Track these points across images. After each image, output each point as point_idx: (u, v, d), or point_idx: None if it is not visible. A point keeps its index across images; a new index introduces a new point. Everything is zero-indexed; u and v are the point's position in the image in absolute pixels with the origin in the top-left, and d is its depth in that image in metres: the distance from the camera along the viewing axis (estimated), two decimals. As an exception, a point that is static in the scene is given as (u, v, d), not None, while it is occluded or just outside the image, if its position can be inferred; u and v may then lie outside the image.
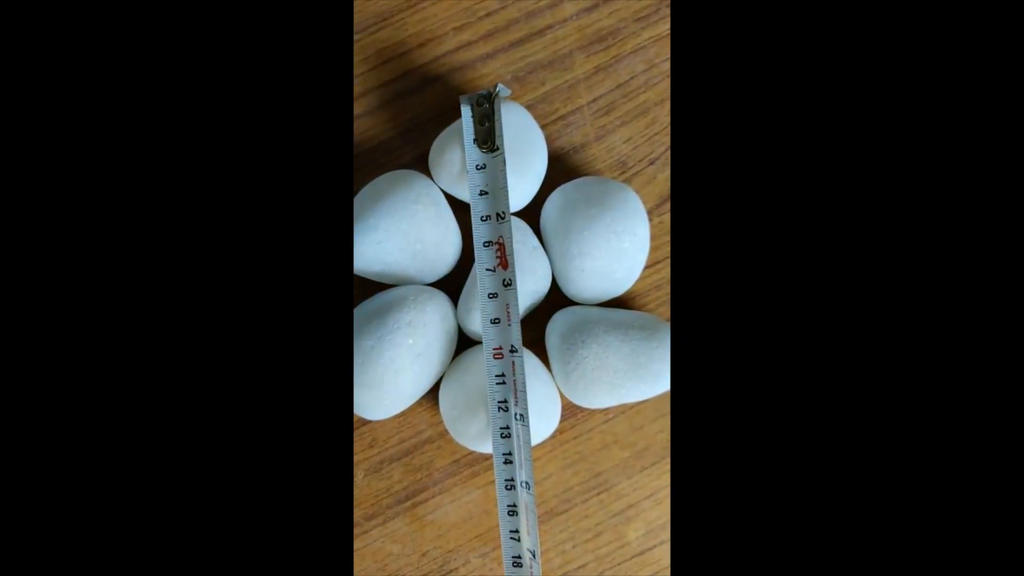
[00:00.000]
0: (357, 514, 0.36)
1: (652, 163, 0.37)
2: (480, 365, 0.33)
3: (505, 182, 0.33)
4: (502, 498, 0.32)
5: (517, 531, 0.32)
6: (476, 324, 0.33)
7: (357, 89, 0.37)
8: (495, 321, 0.32)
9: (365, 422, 0.36)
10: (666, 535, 0.36)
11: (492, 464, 0.35)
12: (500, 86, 0.34)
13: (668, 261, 0.37)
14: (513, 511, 0.32)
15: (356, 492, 0.36)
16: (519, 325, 0.32)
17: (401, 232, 0.33)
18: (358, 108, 0.37)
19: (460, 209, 0.36)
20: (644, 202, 0.36)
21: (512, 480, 0.32)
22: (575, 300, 0.35)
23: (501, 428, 0.32)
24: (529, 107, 0.37)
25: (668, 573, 0.35)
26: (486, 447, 0.33)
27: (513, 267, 0.32)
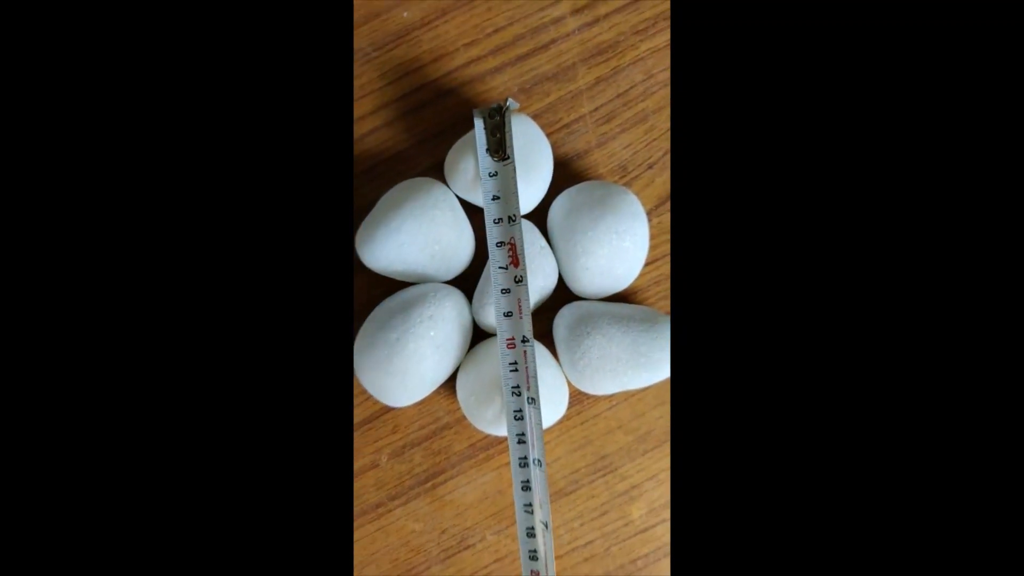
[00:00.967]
0: (382, 494, 0.37)
1: (651, 167, 0.38)
2: (493, 356, 0.34)
3: (516, 188, 0.33)
4: (516, 474, 0.33)
5: (530, 504, 0.33)
6: (490, 318, 0.34)
7: (376, 102, 0.38)
8: (508, 314, 0.33)
9: (388, 409, 0.37)
10: (667, 514, 0.36)
11: (506, 448, 0.36)
12: (510, 100, 0.35)
13: (666, 258, 0.37)
14: (527, 486, 0.33)
15: (381, 474, 0.37)
16: (530, 318, 0.33)
17: (421, 235, 0.34)
18: (378, 120, 0.38)
19: (473, 213, 0.36)
20: (643, 204, 0.37)
21: (526, 458, 0.33)
22: (580, 295, 0.36)
23: (515, 411, 0.33)
24: (535, 116, 0.37)
25: (669, 549, 0.36)
26: (501, 431, 0.34)
27: (524, 265, 0.33)
